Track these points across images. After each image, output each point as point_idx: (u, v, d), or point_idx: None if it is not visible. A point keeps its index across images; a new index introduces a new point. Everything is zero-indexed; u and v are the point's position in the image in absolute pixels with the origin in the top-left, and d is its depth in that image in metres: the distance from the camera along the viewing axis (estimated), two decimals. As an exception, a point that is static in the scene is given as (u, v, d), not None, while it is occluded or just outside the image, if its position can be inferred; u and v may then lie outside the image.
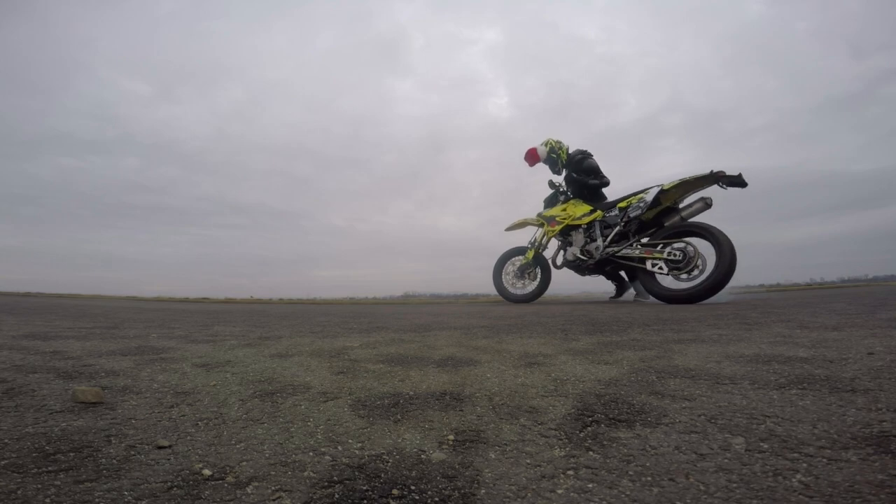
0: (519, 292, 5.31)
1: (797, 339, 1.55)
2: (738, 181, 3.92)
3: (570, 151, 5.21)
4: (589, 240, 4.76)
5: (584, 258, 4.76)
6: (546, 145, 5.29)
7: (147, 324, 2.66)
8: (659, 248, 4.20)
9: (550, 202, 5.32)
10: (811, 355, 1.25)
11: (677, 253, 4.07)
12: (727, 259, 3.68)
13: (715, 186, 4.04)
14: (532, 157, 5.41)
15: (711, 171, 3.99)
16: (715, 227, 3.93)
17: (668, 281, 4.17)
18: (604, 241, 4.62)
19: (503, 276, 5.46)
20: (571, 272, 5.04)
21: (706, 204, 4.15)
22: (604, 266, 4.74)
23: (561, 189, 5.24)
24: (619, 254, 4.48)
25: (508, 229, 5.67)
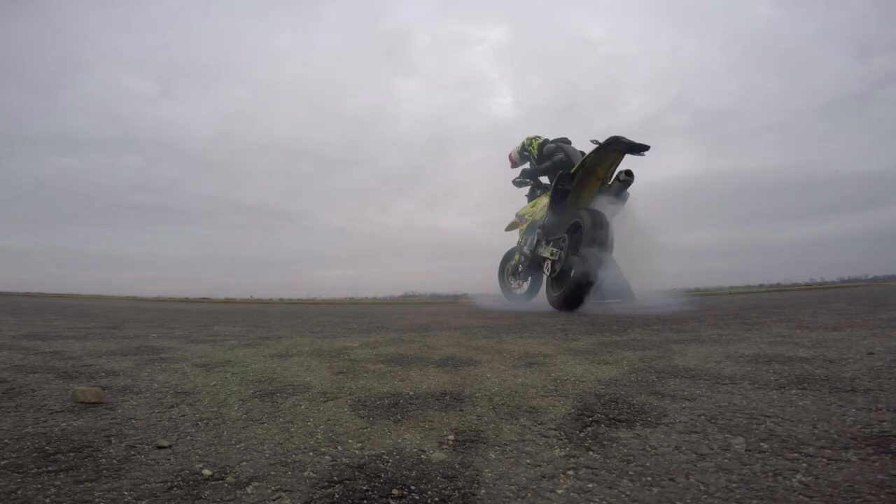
0: (518, 292, 5.29)
1: (797, 339, 1.55)
2: (636, 146, 3.29)
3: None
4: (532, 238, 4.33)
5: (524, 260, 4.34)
6: (521, 146, 4.88)
7: (147, 324, 2.66)
8: (550, 245, 3.68)
9: (529, 198, 5.03)
10: (811, 355, 1.25)
11: (556, 251, 3.48)
12: (585, 254, 2.93)
13: (634, 157, 3.40)
14: (510, 161, 5.09)
15: (596, 142, 3.38)
16: (591, 213, 3.21)
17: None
18: (536, 238, 4.11)
19: (505, 278, 5.44)
20: None
21: (620, 181, 3.48)
22: (540, 267, 4.19)
23: (534, 183, 4.83)
24: (541, 254, 3.94)
25: (508, 229, 5.65)
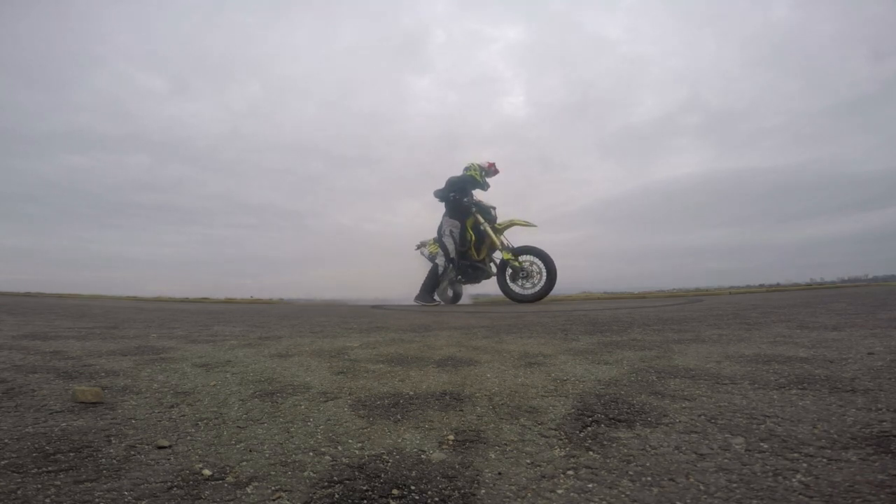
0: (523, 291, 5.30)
1: (797, 339, 1.55)
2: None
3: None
4: None
5: None
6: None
7: (147, 324, 2.66)
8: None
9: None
10: (811, 355, 1.25)
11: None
12: None
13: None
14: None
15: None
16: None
17: None
18: None
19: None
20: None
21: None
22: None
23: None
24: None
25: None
